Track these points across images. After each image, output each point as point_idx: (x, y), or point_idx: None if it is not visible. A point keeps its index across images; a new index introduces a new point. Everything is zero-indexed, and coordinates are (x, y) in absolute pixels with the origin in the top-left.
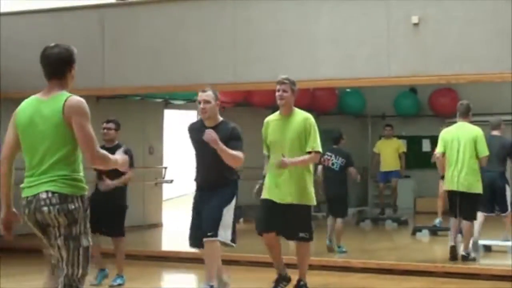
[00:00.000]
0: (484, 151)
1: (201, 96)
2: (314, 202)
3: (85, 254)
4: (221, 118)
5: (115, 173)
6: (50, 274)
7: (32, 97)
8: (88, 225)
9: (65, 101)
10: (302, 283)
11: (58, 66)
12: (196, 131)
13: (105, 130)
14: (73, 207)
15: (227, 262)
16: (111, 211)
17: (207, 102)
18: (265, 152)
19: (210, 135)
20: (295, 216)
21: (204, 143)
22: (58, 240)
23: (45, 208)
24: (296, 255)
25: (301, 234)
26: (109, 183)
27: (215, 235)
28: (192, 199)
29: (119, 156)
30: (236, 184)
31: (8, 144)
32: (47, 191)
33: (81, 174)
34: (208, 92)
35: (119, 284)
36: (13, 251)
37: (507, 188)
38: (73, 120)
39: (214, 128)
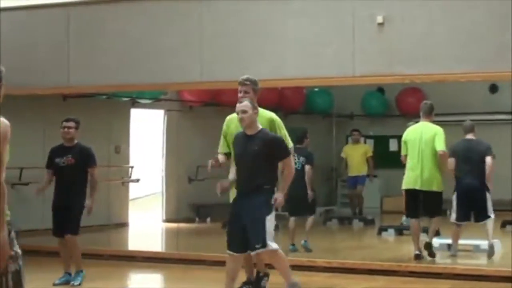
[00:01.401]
0: (440, 146)
1: (239, 107)
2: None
3: (15, 278)
4: (260, 126)
5: (72, 177)
6: None
7: None
8: (16, 248)
9: None
10: (261, 274)
11: None
12: (238, 139)
13: (65, 129)
14: None
15: (191, 261)
16: (70, 206)
17: (244, 112)
18: (220, 150)
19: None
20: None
21: (245, 152)
22: None
23: None
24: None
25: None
26: (91, 207)
27: (264, 246)
28: (231, 204)
29: (4, 237)
30: (273, 192)
31: None
32: None
33: None
34: (245, 102)
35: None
36: None
37: (488, 196)
38: None
39: (254, 136)
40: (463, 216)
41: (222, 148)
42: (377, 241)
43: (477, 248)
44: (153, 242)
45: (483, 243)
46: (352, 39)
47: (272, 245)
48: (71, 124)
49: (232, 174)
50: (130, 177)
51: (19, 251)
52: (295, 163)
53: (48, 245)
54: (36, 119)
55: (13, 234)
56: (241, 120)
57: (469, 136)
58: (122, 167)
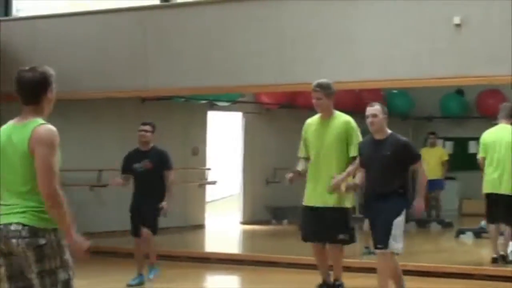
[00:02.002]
0: None
1: (369, 110)
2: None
3: (64, 286)
4: (389, 131)
5: (150, 181)
6: None
7: (9, 122)
8: (66, 256)
9: (33, 129)
10: (338, 283)
11: (32, 91)
12: (366, 144)
13: (142, 133)
14: (43, 242)
15: (267, 264)
16: (148, 210)
17: (374, 116)
18: (300, 154)
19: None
20: (333, 219)
21: (375, 158)
22: (33, 279)
23: (14, 241)
24: (330, 257)
25: (341, 236)
26: (166, 208)
27: (386, 247)
28: (367, 207)
29: (77, 236)
30: (405, 196)
31: None
32: (17, 223)
33: None
34: (376, 106)
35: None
36: None
37: None
38: (35, 149)
39: (383, 141)
40: None
41: (301, 152)
42: (455, 244)
43: None
44: (229, 244)
45: None
46: (429, 41)
47: (395, 249)
48: (148, 128)
49: (301, 165)
50: (207, 179)
51: (70, 259)
52: None
53: (124, 246)
54: (115, 122)
55: (64, 241)
56: (370, 124)
57: None
58: (200, 169)
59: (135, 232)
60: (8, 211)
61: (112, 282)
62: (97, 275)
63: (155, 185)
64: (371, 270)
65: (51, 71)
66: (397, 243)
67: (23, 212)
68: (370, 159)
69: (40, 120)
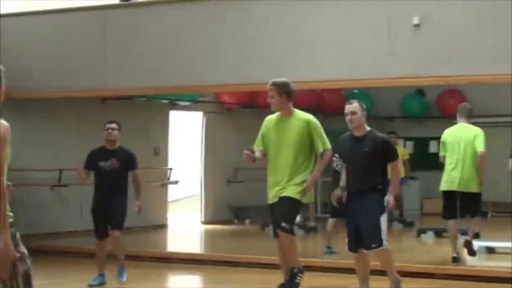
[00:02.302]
0: (481, 147)
1: (348, 108)
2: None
3: (25, 279)
4: (368, 128)
5: (116, 180)
6: None
7: None
8: (22, 249)
9: None
10: (294, 270)
11: None
12: (346, 141)
13: (109, 130)
14: None
15: (229, 263)
16: (115, 208)
17: (353, 113)
18: (255, 147)
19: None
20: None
21: (353, 153)
22: None
23: None
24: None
25: (283, 224)
26: (140, 206)
27: (381, 245)
28: (346, 204)
29: (8, 238)
30: (384, 193)
31: None
32: None
33: None
34: (354, 104)
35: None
36: None
37: None
38: None
39: (363, 137)
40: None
41: (257, 144)
42: (416, 243)
43: None
44: (191, 244)
45: None
46: (388, 41)
47: (386, 244)
48: (114, 125)
49: (258, 153)
50: (169, 179)
51: (25, 251)
52: (336, 165)
53: (86, 246)
54: (76, 122)
55: (18, 235)
56: (350, 121)
57: None
58: (161, 169)
59: (99, 233)
60: None
61: (73, 283)
62: (58, 275)
63: (121, 184)
64: (333, 269)
65: (0, 67)
66: (386, 239)
67: None
68: (350, 156)
69: None
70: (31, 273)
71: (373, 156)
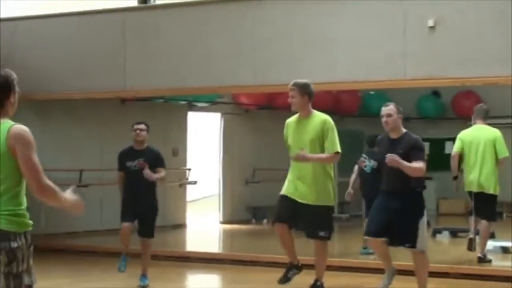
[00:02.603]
0: (504, 153)
1: (384, 110)
2: (333, 203)
3: None
4: (404, 130)
5: (144, 179)
6: None
7: None
8: (31, 262)
9: (8, 130)
10: (318, 283)
11: None
12: (382, 143)
13: (137, 131)
14: (15, 245)
15: (247, 263)
16: (145, 210)
17: (389, 115)
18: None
19: (392, 159)
20: (315, 216)
21: (389, 154)
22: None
23: None
24: (314, 255)
25: (321, 233)
26: (150, 174)
27: (414, 246)
28: (378, 200)
29: (69, 195)
30: (421, 194)
31: None
32: None
33: (24, 207)
34: (390, 106)
35: (146, 285)
36: None
37: None
38: (16, 149)
39: (398, 139)
40: None
41: (288, 147)
42: (431, 243)
43: None
44: (210, 243)
45: None
46: (403, 42)
47: (423, 247)
48: (143, 126)
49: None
50: (187, 179)
51: (32, 266)
52: (365, 166)
53: (106, 245)
54: (95, 123)
55: (32, 248)
56: (385, 123)
57: None
58: (180, 170)
59: (125, 222)
60: None
61: (94, 282)
62: (79, 274)
63: (149, 184)
64: (370, 270)
65: (13, 75)
66: (422, 243)
67: None
68: (384, 159)
69: (9, 122)
70: (33, 287)
71: (408, 158)
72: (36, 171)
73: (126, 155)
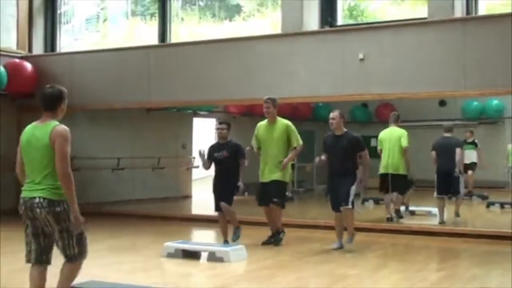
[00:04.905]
0: (404, 143)
1: (331, 115)
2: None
3: (78, 237)
4: (345, 129)
5: (227, 167)
6: (32, 266)
7: (31, 124)
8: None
9: (53, 128)
10: (280, 231)
11: (51, 102)
12: (329, 138)
13: (219, 130)
14: (58, 209)
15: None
16: (228, 186)
17: (333, 118)
18: (252, 143)
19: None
20: (272, 188)
21: (335, 148)
22: (55, 235)
23: (38, 210)
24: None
25: (275, 199)
26: (241, 186)
27: (347, 204)
28: (327, 180)
29: (77, 211)
30: (355, 173)
31: (18, 159)
32: (39, 197)
33: None
34: (335, 112)
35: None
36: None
37: (461, 176)
38: (55, 142)
39: (341, 136)
40: (442, 191)
41: (254, 143)
42: (360, 209)
43: (429, 213)
44: (208, 208)
45: (434, 209)
46: (342, 69)
47: (350, 206)
48: (223, 126)
49: (254, 146)
50: (192, 164)
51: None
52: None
53: (136, 211)
54: (128, 125)
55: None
56: (331, 124)
57: (447, 134)
58: (187, 158)
59: (217, 207)
60: (32, 188)
61: (128, 236)
62: (118, 230)
63: (230, 170)
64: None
65: (65, 90)
66: (354, 203)
67: (43, 189)
68: (332, 149)
69: (57, 122)
70: (84, 235)
71: (349, 149)
72: (64, 159)
73: (214, 148)
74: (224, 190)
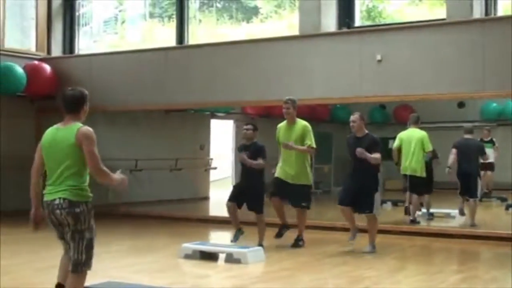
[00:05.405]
0: (428, 147)
1: (352, 117)
2: (310, 182)
3: (88, 244)
4: (366, 131)
5: (250, 167)
6: (64, 253)
7: (53, 126)
8: (92, 222)
9: (78, 129)
10: (300, 237)
11: (74, 104)
12: (350, 140)
13: (244, 131)
14: (78, 210)
15: (249, 223)
16: (250, 188)
17: (354, 121)
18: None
19: (360, 152)
20: (296, 191)
21: (355, 149)
22: (68, 234)
23: (58, 211)
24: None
25: (303, 204)
26: (246, 159)
27: (371, 212)
28: (347, 177)
29: (117, 176)
30: (376, 175)
31: (37, 161)
32: (59, 198)
33: (86, 184)
34: (356, 115)
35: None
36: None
37: (479, 179)
38: (83, 144)
39: (361, 138)
40: (460, 192)
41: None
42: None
43: (448, 215)
44: (225, 210)
45: (454, 211)
46: (359, 71)
47: (376, 212)
48: (249, 127)
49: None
50: (210, 166)
51: (94, 225)
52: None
53: (155, 212)
54: (146, 126)
55: (93, 212)
56: (352, 126)
57: (468, 136)
58: (205, 159)
59: (232, 198)
60: (54, 190)
61: (147, 237)
62: (137, 231)
63: (254, 169)
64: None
65: (86, 92)
66: (377, 209)
67: (65, 190)
68: (353, 151)
69: (80, 124)
70: (93, 240)
71: (369, 151)
72: (95, 160)
73: (239, 148)
74: (251, 197)
